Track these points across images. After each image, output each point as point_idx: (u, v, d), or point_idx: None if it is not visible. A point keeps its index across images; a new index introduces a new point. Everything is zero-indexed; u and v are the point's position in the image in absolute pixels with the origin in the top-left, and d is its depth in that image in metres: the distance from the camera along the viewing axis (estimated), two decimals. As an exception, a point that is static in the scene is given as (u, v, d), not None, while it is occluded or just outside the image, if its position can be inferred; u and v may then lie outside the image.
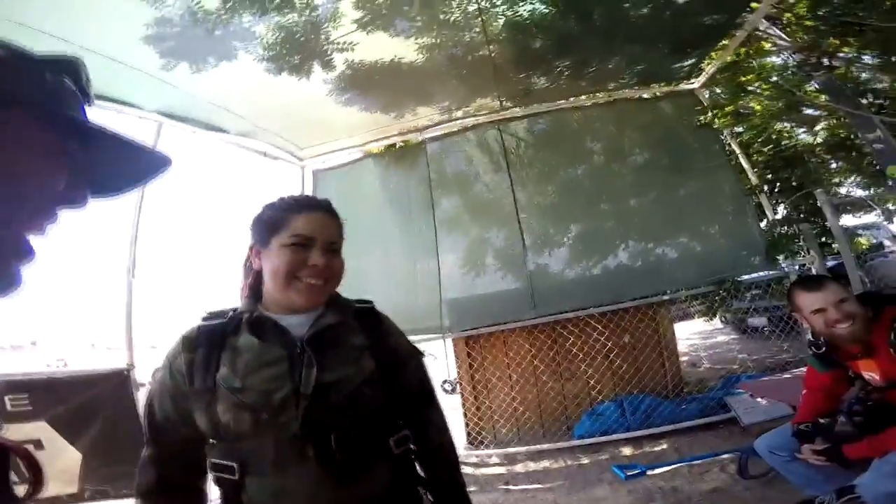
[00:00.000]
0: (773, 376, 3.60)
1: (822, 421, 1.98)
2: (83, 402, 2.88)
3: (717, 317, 7.84)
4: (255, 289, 1.06)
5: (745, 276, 4.17)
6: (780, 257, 3.93)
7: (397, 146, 4.76)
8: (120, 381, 3.02)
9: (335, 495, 0.93)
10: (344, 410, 0.96)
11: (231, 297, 1.11)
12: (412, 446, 1.06)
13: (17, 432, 2.65)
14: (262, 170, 4.31)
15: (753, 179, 4.27)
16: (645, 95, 4.62)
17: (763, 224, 4.24)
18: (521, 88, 4.13)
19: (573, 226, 4.53)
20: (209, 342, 0.99)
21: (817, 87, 4.55)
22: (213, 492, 1.03)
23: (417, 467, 1.09)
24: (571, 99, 4.54)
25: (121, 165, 0.46)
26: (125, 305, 3.06)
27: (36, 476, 0.47)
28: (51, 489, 2.71)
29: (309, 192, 4.49)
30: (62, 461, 2.77)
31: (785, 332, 4.27)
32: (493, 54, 3.48)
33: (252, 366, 0.96)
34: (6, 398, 2.67)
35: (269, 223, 1.02)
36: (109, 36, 2.54)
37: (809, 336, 2.12)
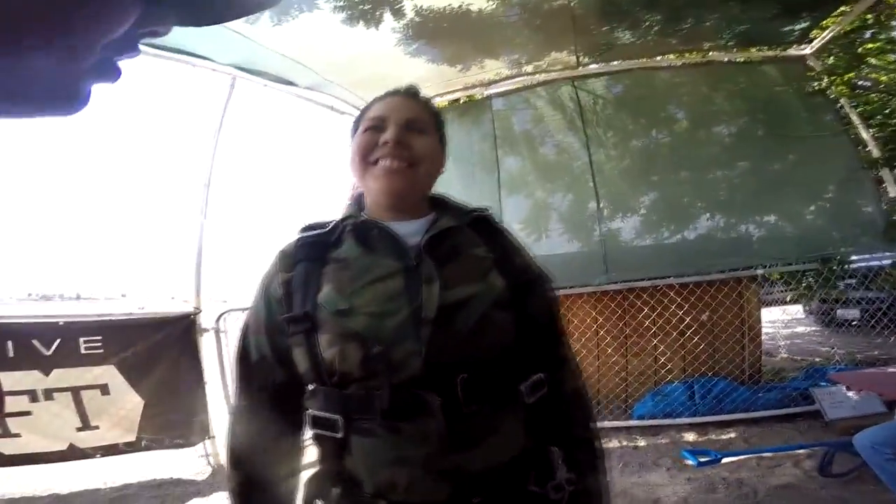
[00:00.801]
0: (875, 368, 3.24)
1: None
2: (150, 346, 3.00)
3: (802, 305, 7.21)
4: (358, 197, 0.91)
5: (856, 257, 3.71)
6: None
7: (461, 101, 4.61)
8: (186, 325, 3.15)
9: (458, 461, 0.73)
10: (474, 342, 0.75)
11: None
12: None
13: (86, 375, 2.82)
14: (329, 125, 4.31)
15: (875, 152, 3.76)
16: (741, 59, 4.23)
17: (883, 202, 3.76)
18: (602, 43, 3.84)
19: (654, 191, 4.25)
20: (309, 256, 0.82)
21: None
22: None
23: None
24: (658, 58, 4.19)
25: None
26: (196, 249, 3.20)
27: None
28: (110, 437, 2.88)
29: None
30: (124, 408, 2.92)
31: (884, 328, 3.79)
32: (572, 3, 3.22)
33: (359, 282, 0.77)
34: (81, 340, 2.82)
35: (357, 119, 0.90)
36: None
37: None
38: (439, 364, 0.72)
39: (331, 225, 0.85)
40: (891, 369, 2.97)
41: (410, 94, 0.91)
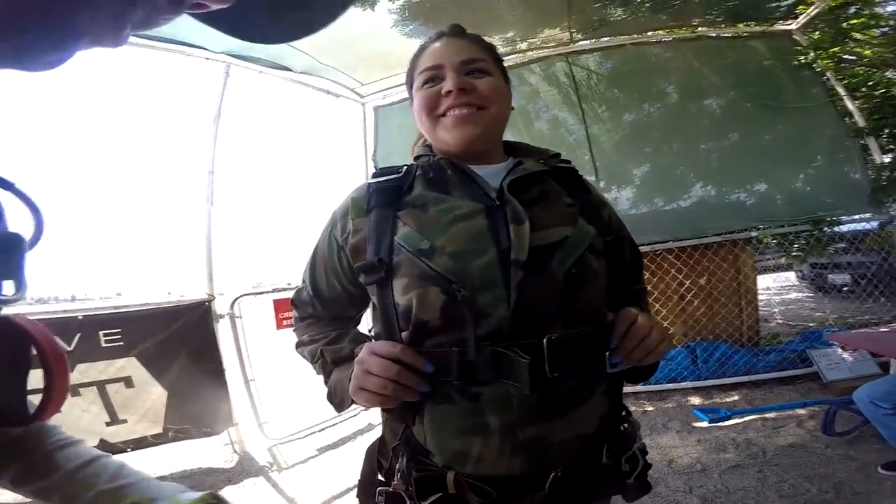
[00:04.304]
0: (868, 328, 3.34)
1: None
2: (168, 336, 2.98)
3: (795, 271, 7.34)
4: (428, 145, 0.86)
5: (845, 218, 3.83)
6: (889, 201, 3.60)
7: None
8: (202, 313, 3.15)
9: (541, 431, 0.66)
10: (570, 288, 0.67)
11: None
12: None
13: (109, 369, 2.79)
14: (325, 108, 4.27)
15: (860, 122, 3.87)
16: (729, 34, 4.28)
17: (868, 169, 3.87)
18: (595, 19, 3.84)
19: (648, 163, 4.29)
20: (382, 202, 0.75)
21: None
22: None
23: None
24: (649, 33, 4.23)
25: None
26: (205, 236, 3.19)
27: (54, 381, 0.35)
28: (138, 430, 2.86)
29: (370, 130, 4.46)
30: (149, 399, 2.89)
31: (874, 291, 3.90)
32: (566, -19, 3.24)
33: (441, 221, 0.70)
34: (101, 333, 2.78)
35: (410, 70, 0.84)
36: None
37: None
38: (529, 314, 0.65)
39: (404, 169, 0.80)
40: (882, 329, 3.05)
41: (459, 33, 0.83)
